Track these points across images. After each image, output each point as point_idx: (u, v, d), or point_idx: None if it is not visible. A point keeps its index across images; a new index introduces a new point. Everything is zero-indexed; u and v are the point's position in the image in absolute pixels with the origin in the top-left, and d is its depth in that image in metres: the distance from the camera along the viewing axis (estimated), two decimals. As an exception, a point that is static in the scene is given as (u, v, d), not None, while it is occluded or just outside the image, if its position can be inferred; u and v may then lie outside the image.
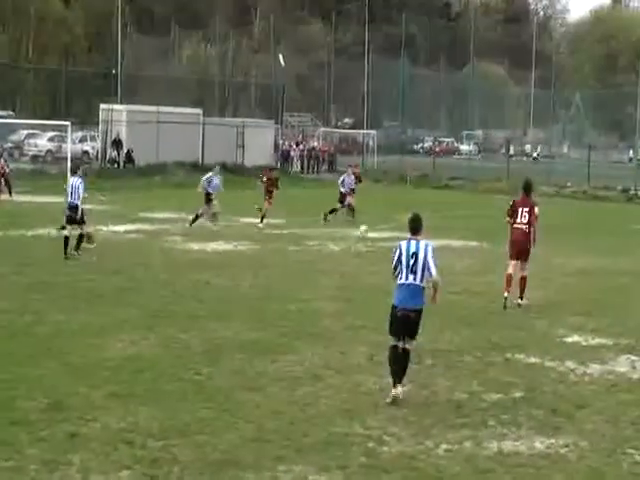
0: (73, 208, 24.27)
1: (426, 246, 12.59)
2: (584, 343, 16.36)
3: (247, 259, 25.45)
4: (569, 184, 56.50)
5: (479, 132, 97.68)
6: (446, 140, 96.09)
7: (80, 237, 24.41)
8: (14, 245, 26.37)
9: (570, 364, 14.76)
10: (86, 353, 14.37)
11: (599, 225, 37.02)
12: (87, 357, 14.14)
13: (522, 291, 19.59)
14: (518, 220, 19.63)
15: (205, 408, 11.87)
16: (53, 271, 21.87)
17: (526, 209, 19.55)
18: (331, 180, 62.64)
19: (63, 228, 24.73)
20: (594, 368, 14.59)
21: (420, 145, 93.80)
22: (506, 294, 19.28)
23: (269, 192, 33.55)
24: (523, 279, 19.62)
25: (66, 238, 24.05)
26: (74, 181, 24.55)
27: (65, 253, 23.84)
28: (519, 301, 19.50)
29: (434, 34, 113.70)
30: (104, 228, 30.50)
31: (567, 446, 10.96)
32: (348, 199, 35.90)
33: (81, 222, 24.43)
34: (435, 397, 12.70)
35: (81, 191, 24.16)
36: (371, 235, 31.45)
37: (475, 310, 18.79)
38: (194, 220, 30.98)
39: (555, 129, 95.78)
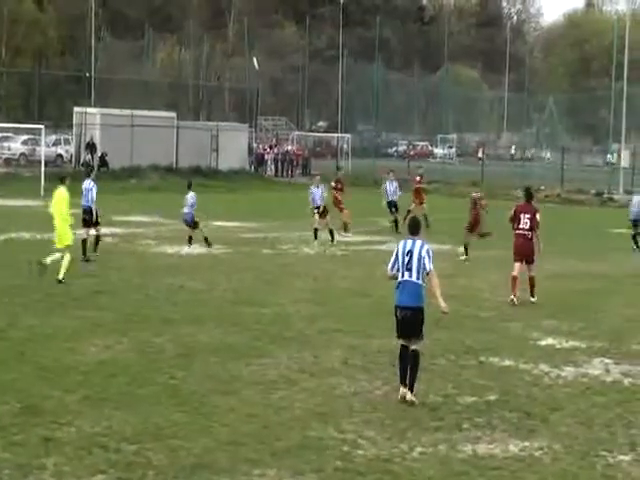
0: (87, 211, 24.67)
1: (422, 244, 12.74)
2: (558, 346, 16.42)
3: (221, 263, 25.41)
4: (542, 187, 56.72)
5: (453, 136, 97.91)
6: (420, 144, 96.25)
7: (97, 238, 24.92)
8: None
9: (544, 367, 14.81)
10: (60, 357, 14.32)
11: (573, 229, 37.22)
12: (61, 361, 14.08)
13: (532, 290, 20.50)
14: (520, 226, 20.52)
15: (179, 412, 11.84)
16: (26, 275, 21.73)
17: (528, 215, 20.43)
18: (305, 184, 62.72)
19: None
20: (568, 371, 14.65)
21: (394, 149, 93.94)
22: (512, 296, 20.23)
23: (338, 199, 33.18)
24: (531, 279, 20.55)
25: (84, 241, 24.27)
26: (87, 184, 24.83)
27: (84, 254, 24.02)
28: (531, 299, 20.43)
29: (408, 38, 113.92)
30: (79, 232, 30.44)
31: (541, 449, 10.99)
32: (414, 208, 35.81)
33: (96, 224, 24.82)
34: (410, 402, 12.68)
35: (94, 194, 24.55)
36: (345, 239, 31.48)
37: (449, 313, 18.77)
38: (332, 236, 30.52)
39: (529, 133, 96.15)
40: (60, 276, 20.79)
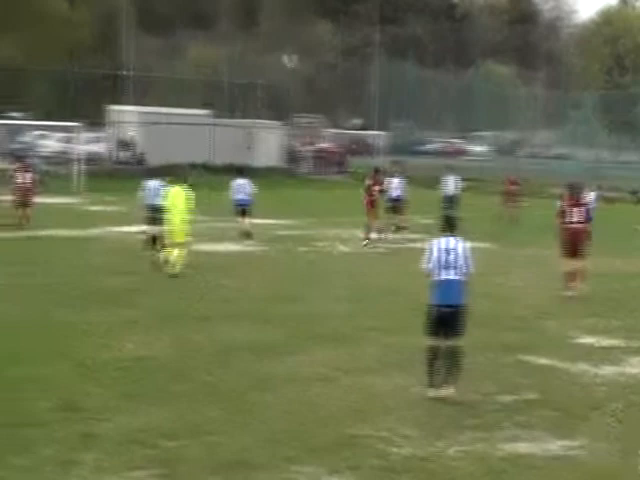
0: (156, 209, 24.62)
1: (462, 242, 12.85)
2: (596, 344, 16.32)
3: (257, 260, 25.44)
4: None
5: (488, 133, 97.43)
6: (455, 141, 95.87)
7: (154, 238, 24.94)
8: (23, 246, 26.41)
9: (582, 365, 14.72)
10: (98, 353, 14.38)
11: (608, 227, 36.94)
12: (99, 357, 14.14)
13: (578, 281, 20.64)
14: (573, 219, 20.70)
15: (216, 409, 11.86)
16: (64, 272, 21.90)
17: (577, 209, 20.70)
18: (340, 181, 62.68)
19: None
20: (606, 369, 14.55)
21: (429, 146, 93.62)
22: (569, 292, 20.49)
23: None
24: (580, 270, 20.71)
25: (153, 238, 24.53)
26: (154, 184, 24.98)
27: (154, 250, 24.30)
28: (570, 293, 20.55)
29: (440, 35, 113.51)
30: (115, 229, 30.69)
31: (581, 448, 10.91)
32: (509, 209, 35.54)
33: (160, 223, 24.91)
34: (446, 398, 12.62)
35: (162, 193, 24.75)
36: (380, 236, 31.35)
37: (485, 311, 18.71)
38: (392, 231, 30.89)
39: (564, 130, 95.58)
40: (176, 270, 21.71)
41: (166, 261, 22.18)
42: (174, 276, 21.58)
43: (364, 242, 29.26)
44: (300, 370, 13.90)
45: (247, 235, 28.74)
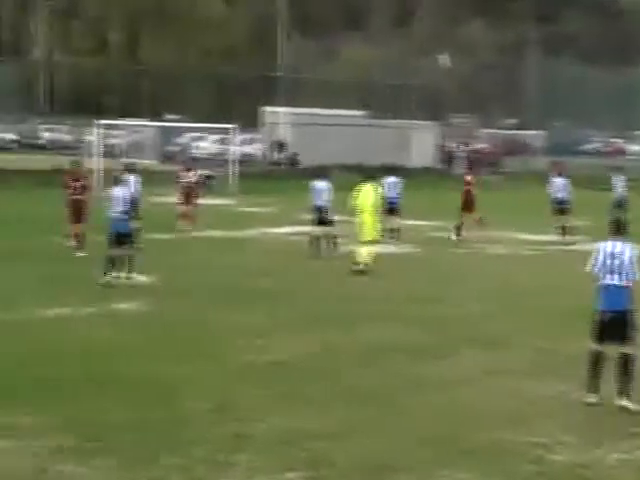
0: (323, 210, 25.38)
1: (631, 247, 12.37)
2: None
3: (408, 262, 25.31)
4: None
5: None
6: (615, 140, 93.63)
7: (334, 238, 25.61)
8: (183, 247, 26.82)
9: None
10: (249, 354, 14.47)
11: None
12: (250, 358, 14.23)
13: None
14: None
15: (365, 411, 11.79)
16: (219, 273, 22.14)
17: None
18: (494, 182, 61.86)
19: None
20: None
21: (587, 146, 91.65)
22: None
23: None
24: None
25: (317, 238, 25.34)
26: (320, 185, 25.65)
27: (317, 251, 25.23)
28: None
29: (599, 31, 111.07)
30: (270, 230, 30.99)
31: None
32: None
33: (330, 223, 25.52)
34: (606, 405, 12.24)
35: (329, 194, 25.45)
36: (535, 238, 30.80)
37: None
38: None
39: None
40: (360, 266, 22.27)
41: (355, 259, 22.48)
42: (361, 272, 22.06)
43: (455, 237, 29.66)
44: (451, 373, 13.73)
45: (396, 233, 28.75)
